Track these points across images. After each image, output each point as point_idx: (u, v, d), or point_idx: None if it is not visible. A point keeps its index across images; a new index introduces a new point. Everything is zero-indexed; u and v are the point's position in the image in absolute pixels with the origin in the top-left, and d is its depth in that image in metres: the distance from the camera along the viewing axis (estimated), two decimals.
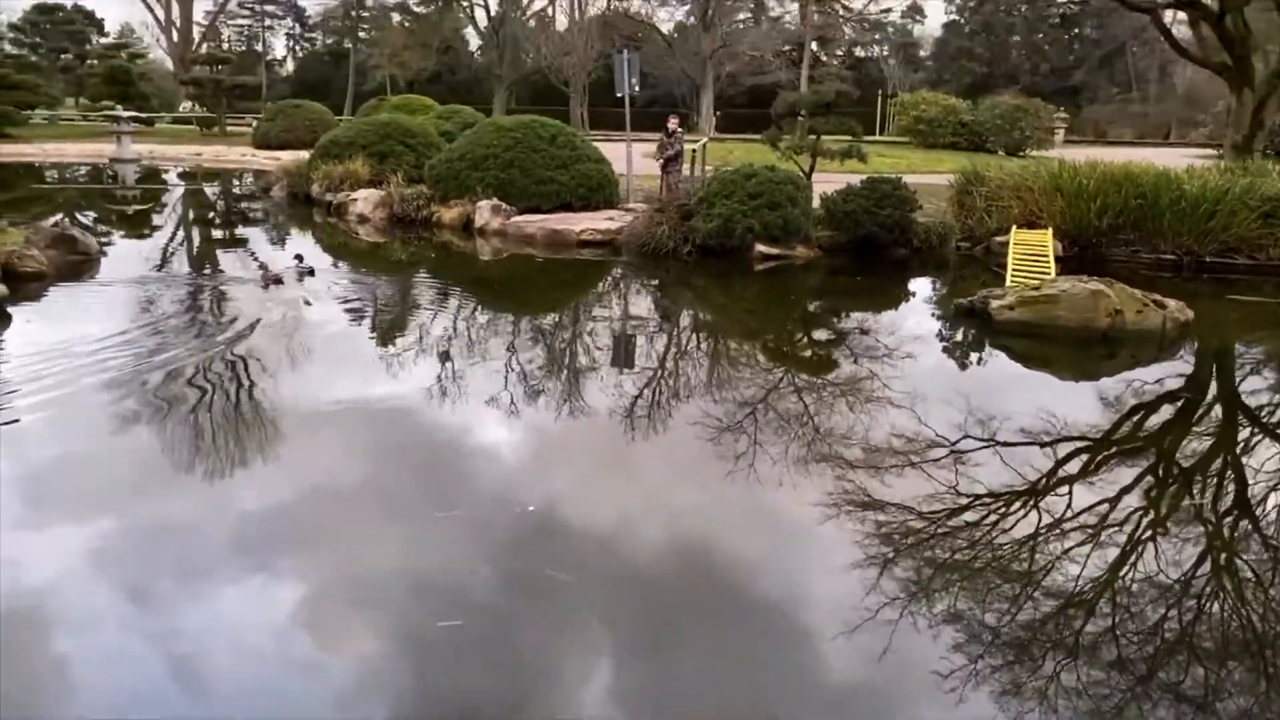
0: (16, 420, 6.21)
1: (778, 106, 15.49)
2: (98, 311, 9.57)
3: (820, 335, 10.14)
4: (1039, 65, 65.11)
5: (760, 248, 13.20)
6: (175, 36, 50.77)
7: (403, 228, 16.65)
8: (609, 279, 13.25)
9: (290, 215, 19.05)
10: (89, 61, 46.03)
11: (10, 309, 9.35)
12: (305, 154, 26.16)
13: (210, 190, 25.29)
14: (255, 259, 12.13)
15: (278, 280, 10.85)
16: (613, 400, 7.15)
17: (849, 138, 15.37)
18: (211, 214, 20.82)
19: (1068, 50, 67.34)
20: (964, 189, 14.69)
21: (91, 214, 18.55)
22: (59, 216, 13.97)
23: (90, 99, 33.74)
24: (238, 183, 26.64)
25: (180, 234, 17.50)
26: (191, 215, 20.31)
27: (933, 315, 11.30)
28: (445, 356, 8.37)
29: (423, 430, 6.58)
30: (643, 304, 11.85)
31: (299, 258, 11.66)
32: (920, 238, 13.87)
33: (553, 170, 16.21)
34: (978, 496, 5.46)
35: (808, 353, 9.24)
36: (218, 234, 17.72)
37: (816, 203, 14.16)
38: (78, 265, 11.80)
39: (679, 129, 16.95)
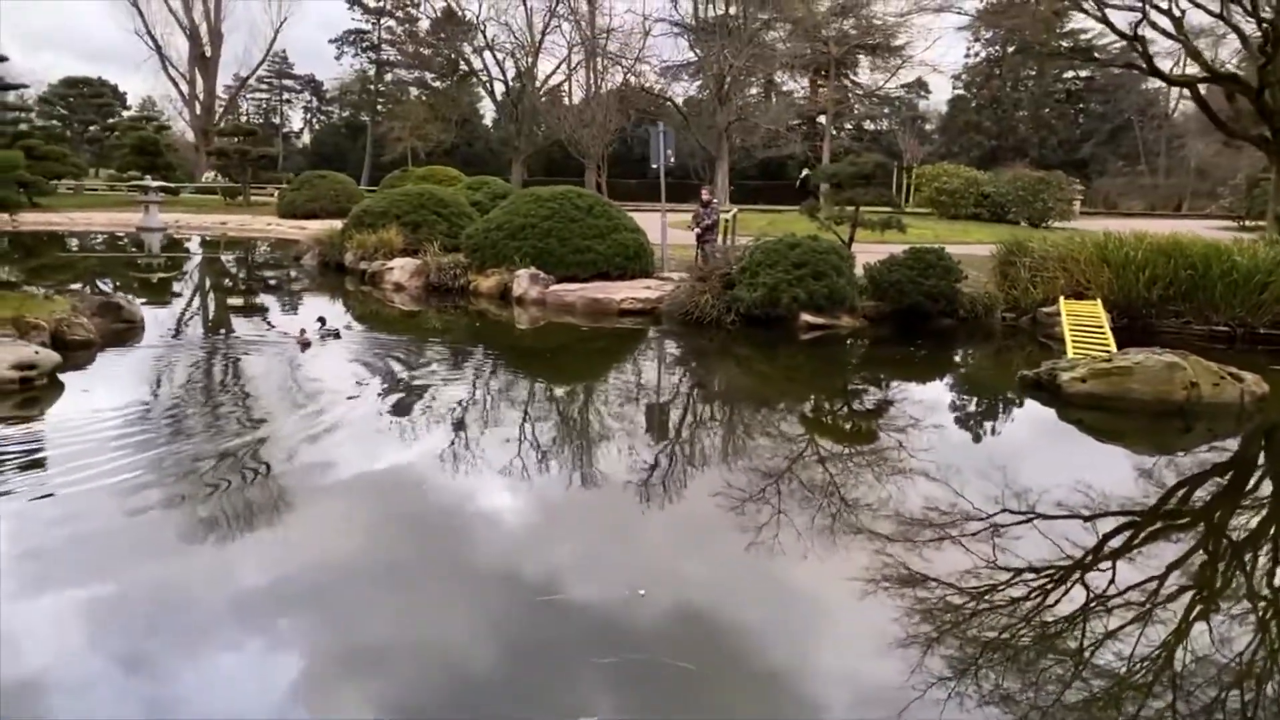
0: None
1: (816, 177, 15.54)
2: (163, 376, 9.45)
3: (886, 406, 9.93)
4: (1047, 139, 66.15)
5: (805, 317, 13.09)
6: (198, 109, 51.81)
7: (439, 296, 16.61)
8: (655, 348, 13.10)
9: (322, 283, 19.04)
10: (115, 133, 46.90)
11: (62, 375, 9.21)
12: (331, 223, 26.45)
13: (240, 258, 25.41)
14: (322, 324, 12.10)
15: (307, 344, 11.16)
16: (680, 474, 6.94)
17: (888, 208, 15.37)
18: (245, 282, 20.87)
19: (1074, 124, 68.53)
20: (1007, 259, 14.63)
21: (121, 281, 18.56)
22: (110, 286, 13.92)
23: (118, 169, 34.24)
24: (266, 251, 26.79)
25: (215, 301, 17.46)
26: (225, 283, 20.35)
27: (997, 388, 11.13)
28: (508, 427, 8.18)
29: (492, 505, 6.34)
30: (693, 373, 11.66)
31: (321, 320, 11.96)
32: (966, 308, 13.77)
33: (590, 240, 16.22)
34: (1075, 570, 5.21)
35: (875, 425, 9.02)
36: (253, 300, 17.68)
37: (859, 272, 14.09)
38: (122, 332, 11.69)
39: (713, 199, 17.01)
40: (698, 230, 16.77)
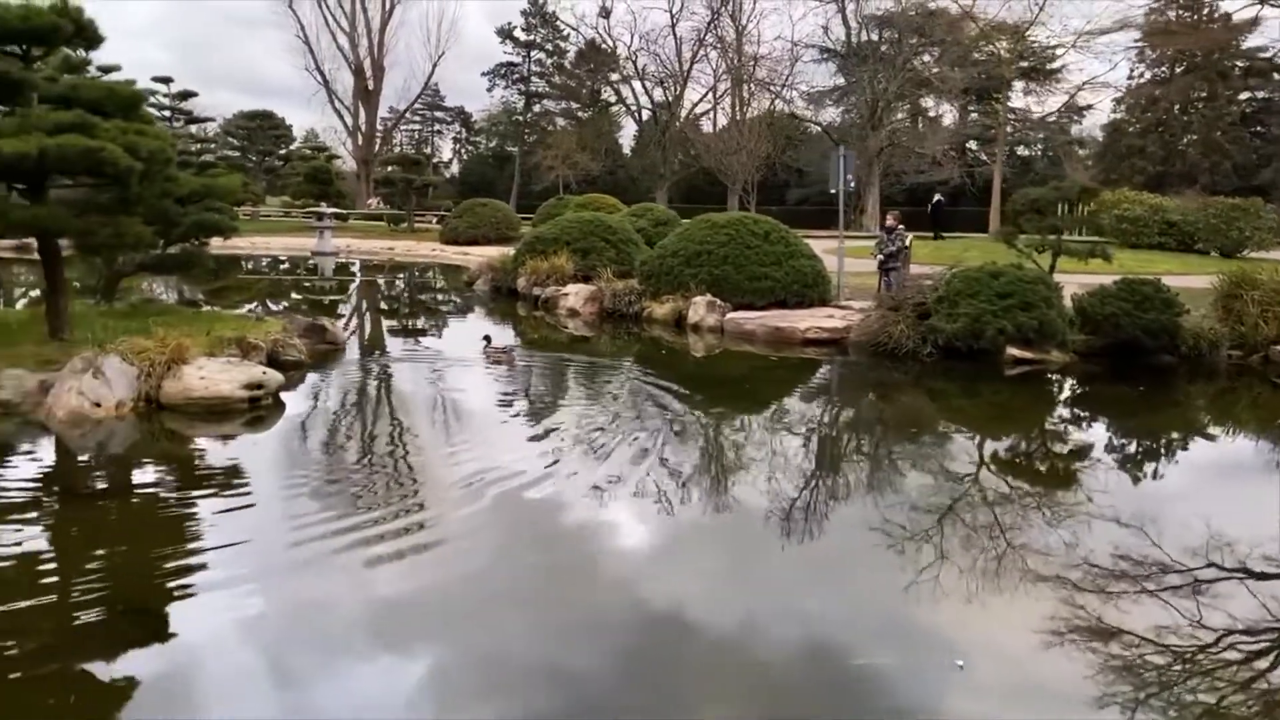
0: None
1: (1016, 202, 14.74)
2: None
3: (1098, 448, 9.15)
4: (1219, 164, 61.88)
5: (1011, 351, 12.31)
6: (359, 140, 54.35)
7: (612, 322, 16.57)
8: (849, 380, 12.57)
9: (495, 308, 19.32)
10: (289, 162, 49.75)
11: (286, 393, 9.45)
12: (495, 249, 27.07)
13: (412, 283, 26.25)
14: (487, 341, 12.28)
15: (512, 363, 11.71)
16: (901, 515, 6.42)
17: (1097, 237, 14.40)
18: (425, 305, 21.51)
19: (1250, 149, 63.99)
20: (1231, 292, 13.43)
21: (307, 302, 19.31)
22: (351, 307, 14.41)
23: (292, 196, 36.22)
24: (435, 276, 27.59)
25: (402, 322, 17.91)
26: (408, 306, 20.99)
27: (1226, 430, 10.15)
28: (724, 461, 7.85)
29: (747, 545, 6.00)
30: (892, 408, 11.08)
31: (487, 339, 12.41)
32: (1188, 344, 12.68)
33: (767, 266, 15.86)
34: None
35: (1091, 467, 8.26)
36: (437, 322, 18.09)
37: (1065, 304, 13.21)
38: (326, 353, 12.02)
39: (900, 225, 16.38)
40: (881, 257, 16.17)
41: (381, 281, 26.06)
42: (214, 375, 8.93)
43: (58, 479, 7.31)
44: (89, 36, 9.37)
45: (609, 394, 10.54)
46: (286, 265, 28.76)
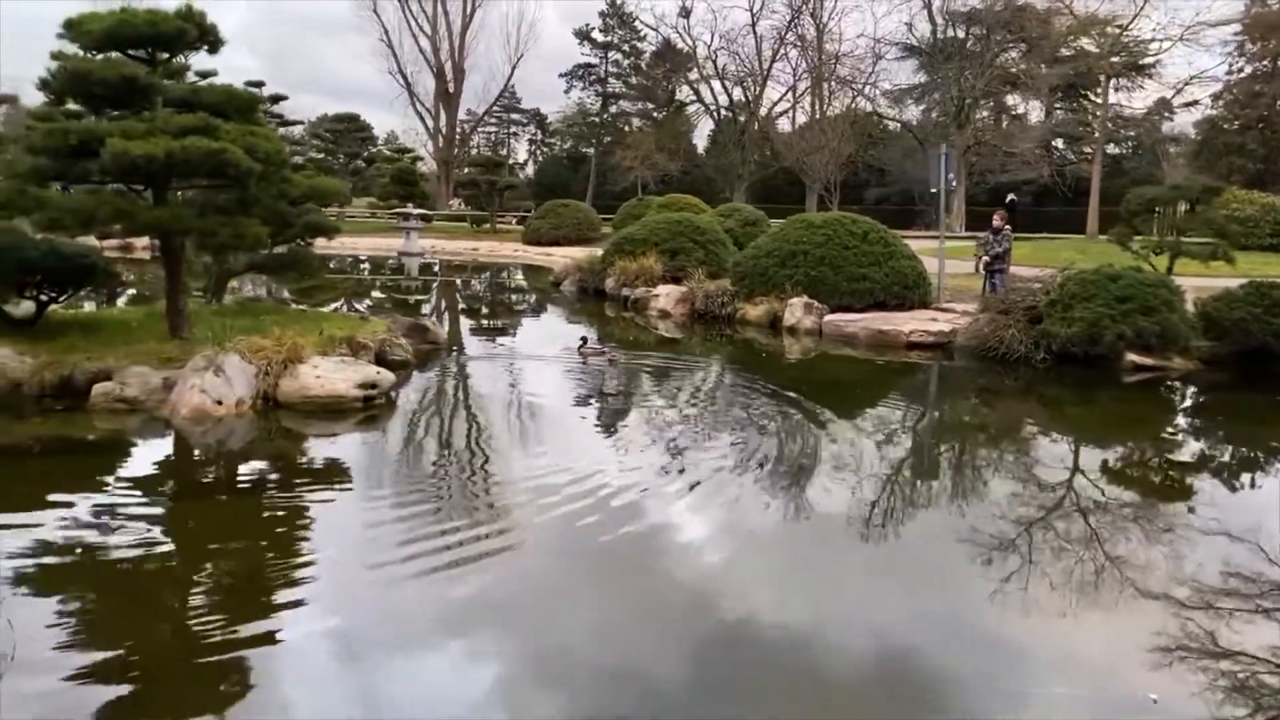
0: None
1: (1131, 202, 14.13)
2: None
3: (1224, 460, 8.66)
4: None
5: (1131, 357, 11.79)
6: (440, 142, 55.14)
7: (704, 323, 16.39)
8: (959, 384, 12.17)
9: (582, 308, 19.29)
10: (375, 164, 50.75)
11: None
12: (577, 250, 27.12)
13: (499, 283, 26.49)
14: (584, 343, 12.26)
15: (613, 361, 11.77)
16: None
17: (1218, 238, 13.74)
18: (516, 305, 21.68)
19: None
20: None
21: (391, 301, 19.56)
22: (444, 307, 14.55)
23: (378, 197, 36.85)
24: (520, 276, 27.78)
25: (500, 322, 18.00)
26: (500, 307, 21.16)
27: None
28: (859, 469, 7.60)
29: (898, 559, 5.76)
30: (1008, 414, 10.65)
31: (584, 340, 12.39)
32: None
33: (865, 268, 15.50)
34: None
35: (1216, 479, 7.80)
36: (528, 322, 18.14)
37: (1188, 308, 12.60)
38: (428, 353, 12.09)
39: (1006, 226, 15.86)
40: (986, 258, 15.68)
41: (469, 282, 26.32)
42: (329, 375, 9.01)
43: (185, 474, 7.44)
44: (211, 41, 9.54)
45: (725, 398, 10.38)
46: (367, 265, 29.24)
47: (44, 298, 10.06)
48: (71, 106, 10.26)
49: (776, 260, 15.94)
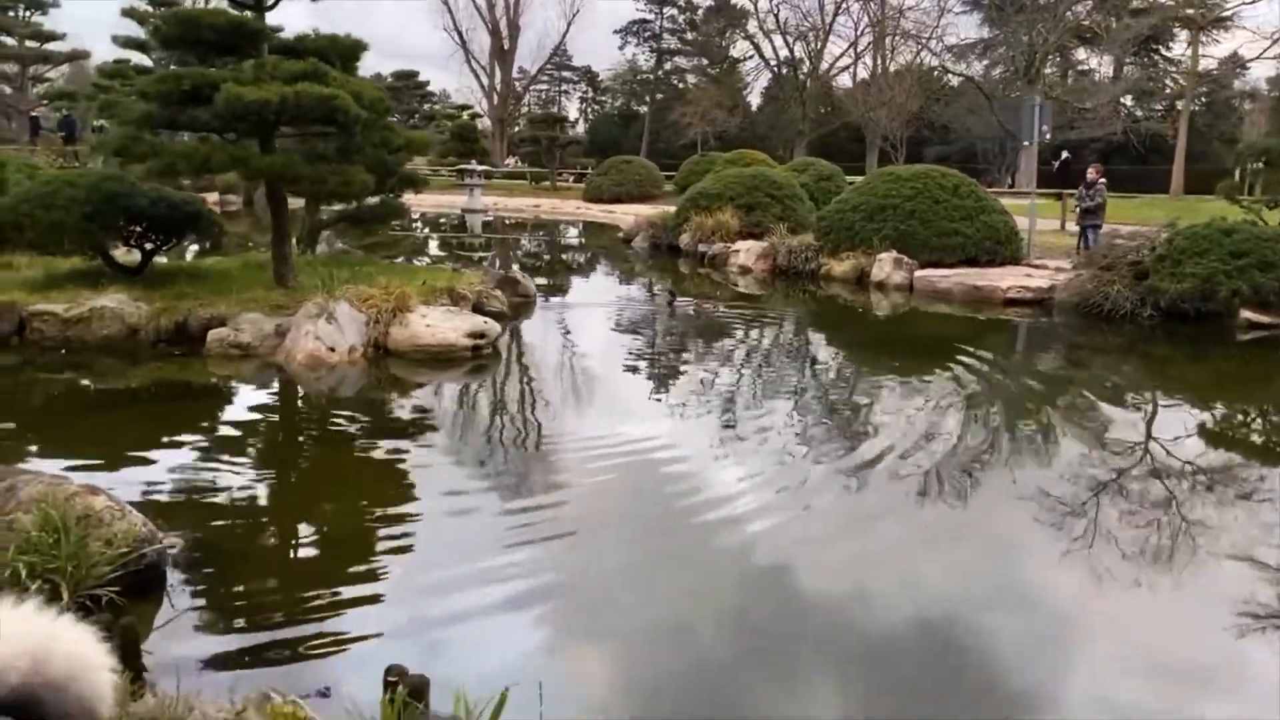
0: None
1: (1242, 154, 13.56)
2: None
3: None
4: None
5: (1247, 314, 11.34)
6: (495, 99, 54.85)
7: (786, 280, 16.12)
8: (1063, 342, 11.82)
9: (656, 264, 19.10)
10: (434, 121, 50.66)
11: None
12: (639, 207, 26.88)
13: (571, 240, 26.40)
14: (671, 296, 12.16)
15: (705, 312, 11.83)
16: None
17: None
18: (590, 260, 21.61)
19: None
20: None
21: (461, 257, 19.54)
22: (522, 261, 14.50)
23: (439, 155, 36.85)
24: (587, 233, 27.64)
25: (579, 277, 17.91)
26: (574, 262, 21.11)
27: None
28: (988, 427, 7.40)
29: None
30: (1119, 374, 10.29)
31: (671, 293, 13.14)
32: None
33: (956, 222, 15.09)
34: None
35: None
36: (606, 277, 18.04)
37: None
38: (520, 305, 12.03)
39: (1100, 180, 15.33)
40: (1079, 212, 15.21)
41: (537, 239, 26.23)
42: (439, 324, 8.98)
43: (301, 419, 7.48)
44: None
45: (822, 355, 10.21)
46: (444, 222, 29.29)
47: (149, 246, 10.14)
48: (139, 61, 10.25)
49: (864, 214, 15.58)
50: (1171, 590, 4.47)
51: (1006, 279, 13.50)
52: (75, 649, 1.21)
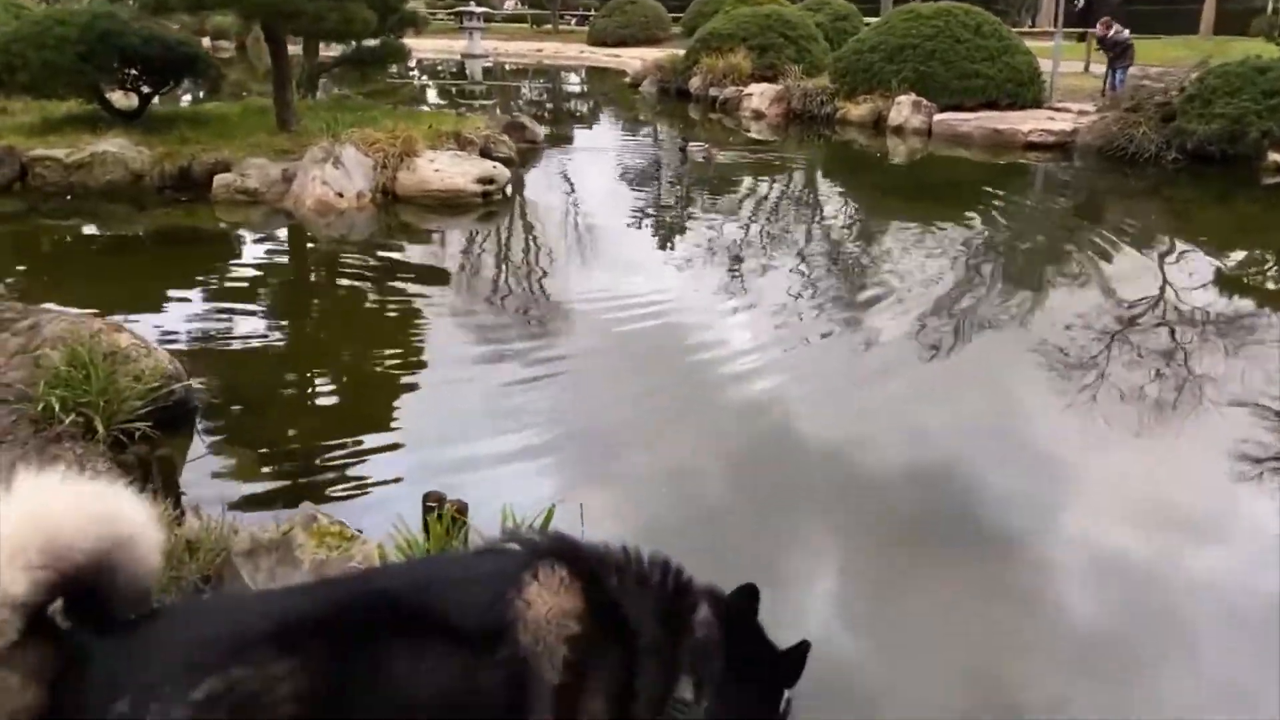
0: None
1: None
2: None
3: None
4: None
5: (1275, 156, 11.03)
6: None
7: (801, 124, 15.68)
8: (1085, 185, 11.56)
9: (665, 109, 18.55)
10: None
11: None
12: (646, 50, 25.90)
13: (577, 85, 25.56)
14: (684, 142, 11.90)
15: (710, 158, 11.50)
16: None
17: None
18: (598, 106, 20.98)
19: None
20: None
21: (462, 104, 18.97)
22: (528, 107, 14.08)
23: None
24: (592, 79, 26.73)
25: (588, 124, 17.43)
26: (582, 108, 20.51)
27: None
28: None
29: None
30: (1140, 217, 10.06)
31: (684, 139, 12.45)
32: None
33: (978, 63, 14.52)
34: None
35: None
36: (615, 123, 17.56)
37: None
38: (527, 151, 11.73)
39: (1112, 30, 14.72)
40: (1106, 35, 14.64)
41: (539, 85, 25.41)
42: (447, 168, 8.78)
43: (312, 265, 7.42)
44: None
45: (842, 202, 10.02)
46: (440, 68, 28.30)
47: (146, 89, 9.81)
48: None
49: (883, 55, 14.98)
50: (1174, 439, 4.46)
51: (1028, 122, 13.09)
52: (130, 507, 1.21)
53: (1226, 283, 7.22)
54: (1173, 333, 5.88)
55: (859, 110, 14.86)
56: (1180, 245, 8.69)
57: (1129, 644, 2.88)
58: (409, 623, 1.24)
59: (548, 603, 1.30)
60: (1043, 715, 2.52)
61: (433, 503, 2.64)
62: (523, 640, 1.26)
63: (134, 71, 9.55)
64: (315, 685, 1.15)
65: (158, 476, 3.04)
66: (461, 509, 2.41)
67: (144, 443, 3.39)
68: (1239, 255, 8.41)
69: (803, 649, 1.53)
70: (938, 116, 13.89)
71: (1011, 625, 2.97)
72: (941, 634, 2.91)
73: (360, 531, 2.57)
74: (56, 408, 3.28)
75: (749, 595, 1.56)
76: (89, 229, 7.98)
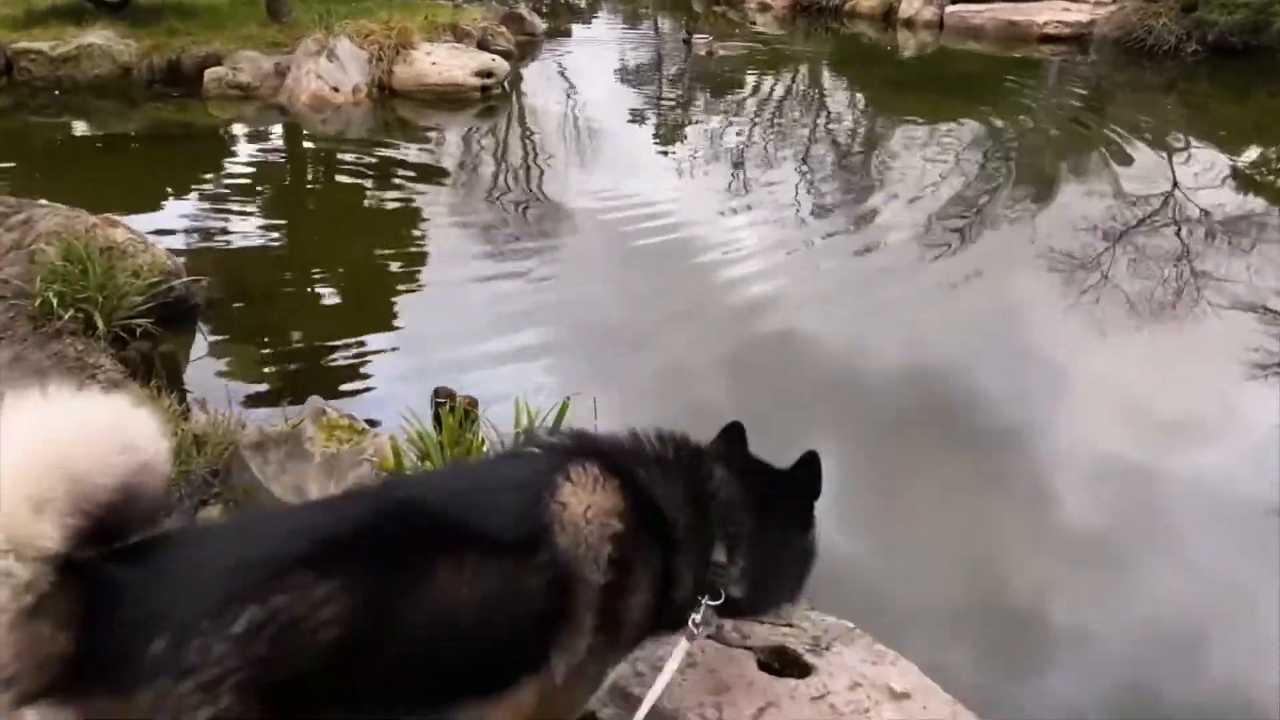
0: None
1: None
2: None
3: None
4: None
5: None
6: None
7: (808, 17, 15.16)
8: (1098, 79, 11.22)
9: (667, 1, 17.91)
10: None
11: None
12: None
13: None
14: (688, 34, 11.57)
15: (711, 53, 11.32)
16: None
17: None
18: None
19: None
20: None
21: None
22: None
23: None
24: None
25: (590, 15, 16.84)
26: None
27: None
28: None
29: None
30: (1158, 114, 9.79)
31: (688, 32, 12.29)
32: None
33: None
34: None
35: None
36: (616, 16, 16.98)
37: None
38: (526, 44, 11.38)
39: None
40: None
41: None
42: (445, 61, 8.52)
43: (309, 164, 7.26)
44: None
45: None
46: None
47: None
48: None
49: None
50: (1174, 340, 4.45)
51: (1043, 13, 12.63)
52: (145, 427, 1.13)
53: (1244, 182, 7.07)
54: (1181, 234, 5.78)
55: (869, 2, 14.34)
56: (1195, 142, 8.48)
57: (1118, 537, 2.91)
58: (444, 535, 1.20)
59: (585, 502, 1.27)
60: (1029, 601, 2.57)
61: (442, 398, 2.62)
62: (561, 543, 1.24)
63: None
64: (356, 606, 1.10)
65: (162, 373, 3.01)
66: (472, 403, 2.39)
67: (146, 339, 3.35)
68: (1254, 153, 8.21)
69: (810, 460, 1.50)
70: (950, 8, 13.40)
71: (1004, 518, 3.01)
72: (936, 525, 2.94)
73: (371, 424, 2.55)
74: (55, 303, 3.23)
75: (739, 433, 1.53)
76: (80, 126, 7.78)
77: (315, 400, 2.35)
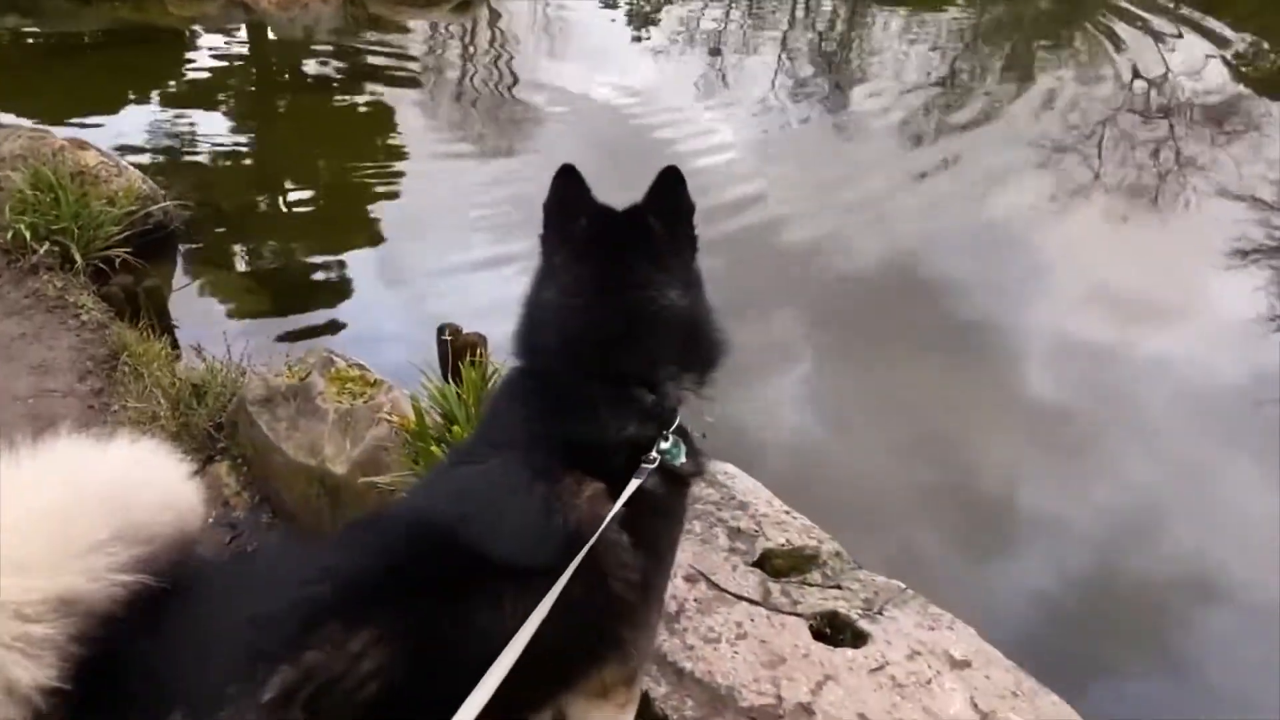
0: None
1: None
2: None
3: None
4: None
5: None
6: None
7: None
8: None
9: None
10: None
11: None
12: None
13: None
14: None
15: None
16: None
17: None
18: None
19: None
20: None
21: None
22: None
23: None
24: None
25: None
26: None
27: None
28: None
29: None
30: None
31: None
32: None
33: None
34: None
35: None
36: None
37: None
38: None
39: None
40: None
41: None
42: None
43: (277, 67, 6.89)
44: None
45: None
46: None
47: None
48: None
49: None
50: (1156, 228, 4.42)
51: None
52: (171, 468, 1.00)
53: (1238, 70, 6.90)
54: (1170, 122, 5.67)
55: None
56: (1199, 16, 8.22)
57: (1086, 419, 2.98)
58: (470, 563, 1.06)
59: (586, 491, 1.16)
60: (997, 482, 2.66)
61: (448, 335, 2.49)
62: (582, 540, 1.12)
63: None
64: (397, 656, 0.95)
65: (149, 310, 2.86)
66: (480, 339, 2.26)
67: (126, 271, 3.18)
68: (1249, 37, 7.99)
69: (665, 174, 1.38)
70: None
71: (974, 402, 3.04)
72: (908, 409, 2.96)
73: (385, 381, 2.42)
74: (28, 236, 3.04)
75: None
76: (29, 27, 7.30)
77: (322, 347, 2.22)
